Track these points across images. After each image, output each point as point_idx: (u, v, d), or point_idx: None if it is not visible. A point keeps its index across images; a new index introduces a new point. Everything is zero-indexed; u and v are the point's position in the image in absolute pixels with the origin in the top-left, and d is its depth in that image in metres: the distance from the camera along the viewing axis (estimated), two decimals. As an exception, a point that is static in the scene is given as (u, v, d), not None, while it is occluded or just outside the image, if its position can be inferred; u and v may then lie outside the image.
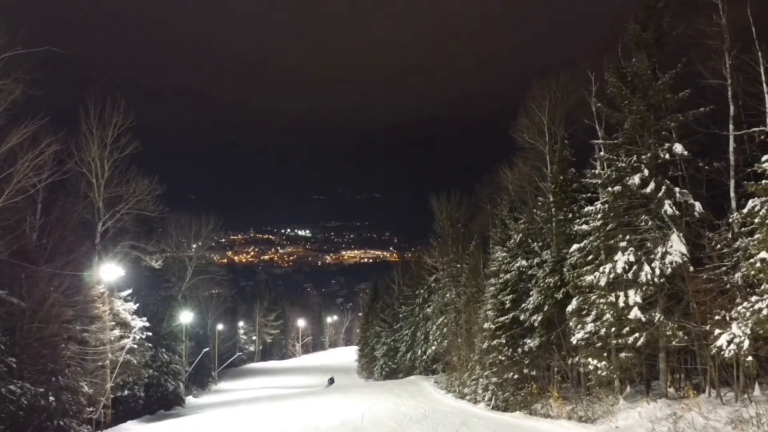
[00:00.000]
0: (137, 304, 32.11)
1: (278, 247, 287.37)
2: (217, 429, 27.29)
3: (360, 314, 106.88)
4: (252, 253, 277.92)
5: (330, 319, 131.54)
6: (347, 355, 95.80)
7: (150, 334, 33.16)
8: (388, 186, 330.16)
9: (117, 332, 30.19)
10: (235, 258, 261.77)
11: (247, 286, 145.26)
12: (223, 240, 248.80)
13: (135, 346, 31.44)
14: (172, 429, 28.61)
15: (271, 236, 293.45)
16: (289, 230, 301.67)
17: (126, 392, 32.23)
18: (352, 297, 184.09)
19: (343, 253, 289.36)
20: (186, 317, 46.63)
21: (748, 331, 13.77)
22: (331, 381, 59.01)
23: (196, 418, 33.10)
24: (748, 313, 13.85)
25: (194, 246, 50.26)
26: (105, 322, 29.66)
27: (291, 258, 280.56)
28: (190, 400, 46.32)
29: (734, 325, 14.25)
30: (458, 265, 38.79)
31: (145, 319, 32.59)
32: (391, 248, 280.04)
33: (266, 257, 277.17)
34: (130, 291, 32.15)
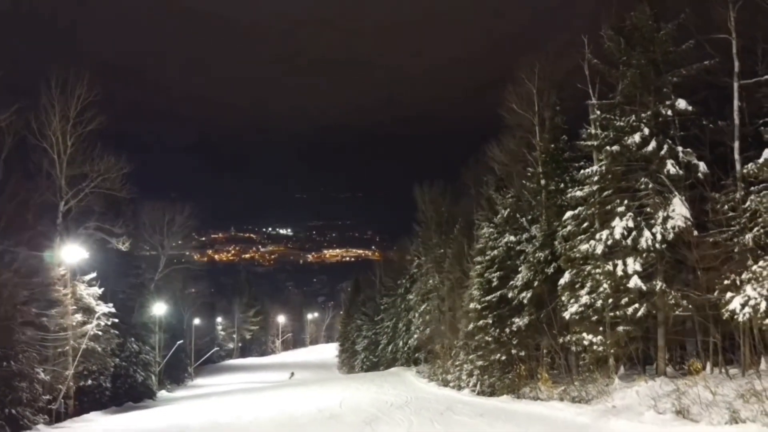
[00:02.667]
0: (102, 288, 30.23)
1: (259, 246, 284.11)
2: (187, 419, 25.54)
3: (341, 312, 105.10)
4: (233, 251, 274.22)
5: (311, 316, 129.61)
6: (328, 351, 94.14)
7: (117, 320, 31.25)
8: (370, 185, 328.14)
9: (79, 317, 28.35)
10: (216, 257, 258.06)
11: (227, 284, 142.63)
12: (204, 238, 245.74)
13: (100, 333, 29.56)
14: (138, 419, 26.79)
15: (252, 235, 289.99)
16: (270, 229, 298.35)
17: (90, 381, 30.27)
18: (333, 296, 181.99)
19: (325, 251, 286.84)
20: (159, 309, 44.68)
21: (765, 292, 12.45)
22: (292, 375, 58.03)
23: (167, 409, 31.35)
24: (765, 272, 12.55)
25: (168, 234, 48.12)
26: (66, 306, 27.83)
27: (272, 257, 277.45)
28: (162, 394, 44.41)
29: (749, 287, 12.94)
30: (441, 251, 37.36)
31: (111, 305, 30.74)
32: (373, 247, 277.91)
33: (247, 256, 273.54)
34: (94, 275, 30.27)
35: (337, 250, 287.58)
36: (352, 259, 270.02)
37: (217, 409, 28.00)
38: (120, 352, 34.50)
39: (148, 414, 28.97)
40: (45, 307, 26.63)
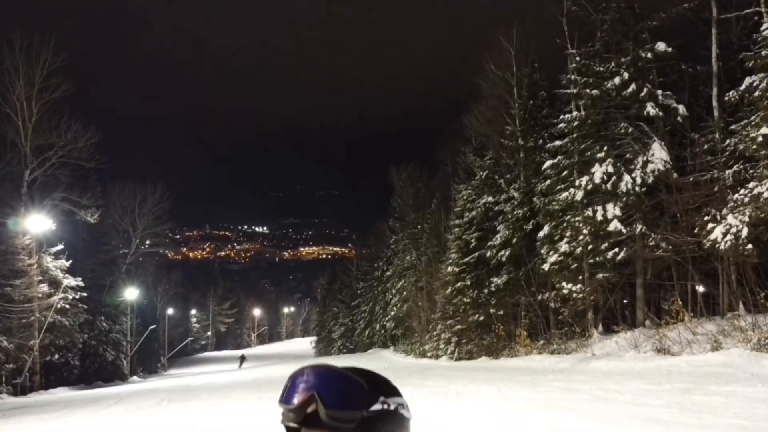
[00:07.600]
0: (70, 261, 29.29)
1: (235, 244, 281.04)
2: (157, 385, 24.82)
3: (317, 309, 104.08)
4: (208, 249, 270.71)
5: (287, 310, 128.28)
6: (304, 344, 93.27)
7: (86, 296, 30.32)
8: (347, 183, 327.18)
9: (45, 288, 27.39)
10: (190, 254, 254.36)
11: (202, 280, 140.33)
12: (178, 236, 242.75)
13: (67, 306, 28.65)
14: (107, 391, 25.97)
15: (227, 232, 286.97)
16: (246, 226, 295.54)
17: (57, 356, 29.32)
18: (309, 292, 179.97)
19: (301, 249, 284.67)
20: (131, 294, 43.53)
21: (746, 219, 12.30)
22: (242, 359, 51.62)
23: (139, 385, 30.49)
24: (746, 199, 12.39)
25: (140, 215, 46.87)
26: (32, 277, 26.88)
27: (248, 254, 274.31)
28: (134, 379, 43.30)
29: (730, 216, 12.79)
30: (419, 226, 36.98)
31: (80, 279, 29.84)
32: (349, 244, 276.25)
33: (222, 253, 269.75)
34: (61, 246, 29.30)
35: (314, 248, 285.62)
36: (329, 256, 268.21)
37: (191, 379, 27.35)
38: (89, 330, 33.58)
39: (118, 388, 28.17)
40: (9, 276, 25.74)
